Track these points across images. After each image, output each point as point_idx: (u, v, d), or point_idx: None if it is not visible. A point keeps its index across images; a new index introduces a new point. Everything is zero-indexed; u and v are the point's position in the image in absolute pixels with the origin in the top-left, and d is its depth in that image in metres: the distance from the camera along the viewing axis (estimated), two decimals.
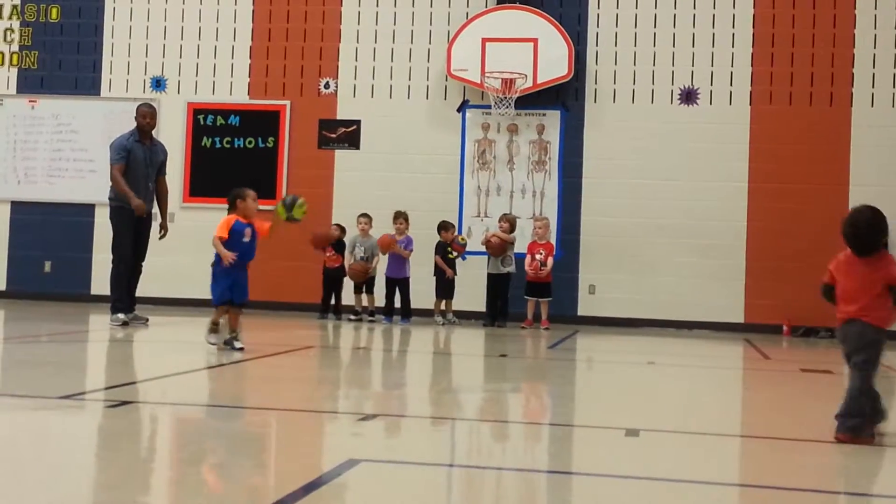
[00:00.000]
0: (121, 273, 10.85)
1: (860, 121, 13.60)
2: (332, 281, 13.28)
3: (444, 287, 13.13)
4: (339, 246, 13.19)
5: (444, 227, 13.26)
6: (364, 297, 13.06)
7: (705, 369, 9.31)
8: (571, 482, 4.23)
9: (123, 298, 10.79)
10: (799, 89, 13.76)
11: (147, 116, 10.98)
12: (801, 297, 13.40)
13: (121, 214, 10.81)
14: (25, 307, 13.43)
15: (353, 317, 12.95)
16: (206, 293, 13.93)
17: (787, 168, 13.68)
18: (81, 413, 5.41)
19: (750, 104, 13.85)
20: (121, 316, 10.66)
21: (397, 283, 12.98)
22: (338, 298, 13.31)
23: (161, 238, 11.34)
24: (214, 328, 8.56)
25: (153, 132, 11.31)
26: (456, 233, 13.46)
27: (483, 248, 13.27)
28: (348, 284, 13.23)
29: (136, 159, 10.81)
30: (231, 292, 8.49)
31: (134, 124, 11.05)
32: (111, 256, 11.03)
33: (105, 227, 14.89)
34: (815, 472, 4.50)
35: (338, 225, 13.36)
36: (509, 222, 13.19)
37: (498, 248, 12.96)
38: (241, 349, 8.28)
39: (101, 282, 14.81)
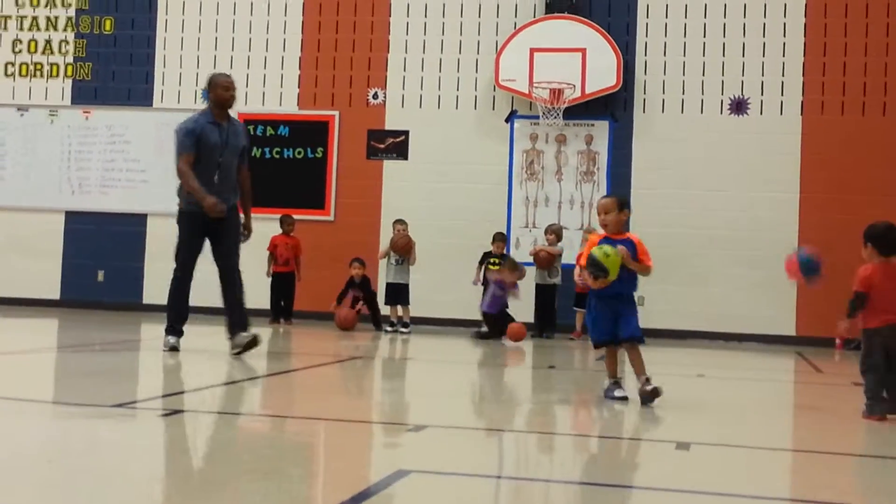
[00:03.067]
0: (178, 286, 8.93)
1: None
2: (364, 299, 13.31)
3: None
4: (366, 288, 13.29)
5: (495, 238, 13.20)
6: (399, 307, 13.04)
7: (756, 382, 9.21)
8: (621, 495, 4.20)
9: (179, 317, 8.95)
10: (851, 99, 13.61)
11: (230, 88, 8.83)
12: None
13: (188, 219, 8.83)
14: (79, 316, 13.62)
15: (388, 328, 12.92)
16: (255, 303, 14.09)
17: (838, 178, 13.53)
18: (134, 421, 5.47)
19: (801, 114, 13.72)
20: (170, 339, 8.81)
21: None
22: (374, 311, 13.28)
23: (244, 241, 9.43)
24: (616, 381, 6.80)
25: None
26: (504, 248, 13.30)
27: (530, 259, 13.25)
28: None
29: (209, 145, 8.65)
30: (615, 325, 6.73)
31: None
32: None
33: (157, 238, 15.12)
34: (868, 488, 4.43)
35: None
36: (555, 233, 13.16)
37: (545, 262, 12.95)
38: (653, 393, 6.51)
39: (153, 291, 15.01)
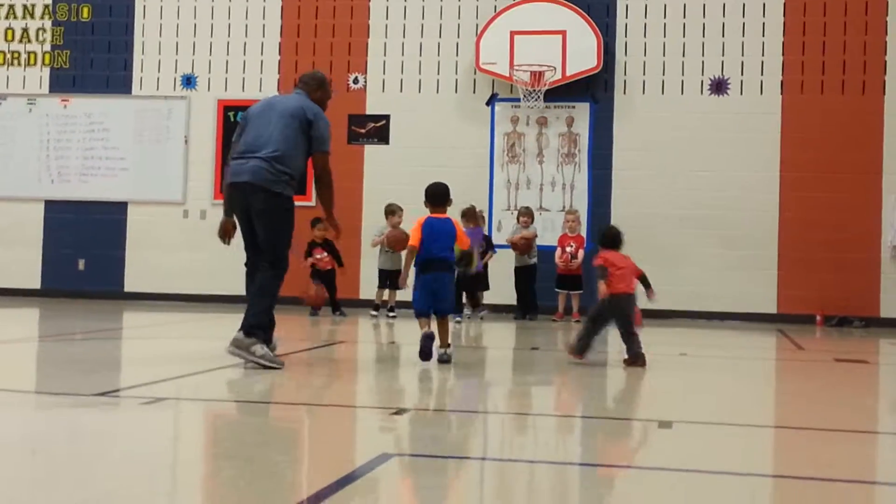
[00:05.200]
0: (279, 287, 7.51)
1: (893, 108, 13.48)
2: (323, 281, 12.90)
3: (471, 279, 13.03)
4: (329, 248, 12.86)
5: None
6: (386, 291, 12.85)
7: (738, 360, 9.26)
8: (605, 475, 4.22)
9: (273, 322, 7.52)
10: (830, 78, 13.65)
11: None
12: (834, 287, 13.34)
13: (292, 210, 7.49)
14: (60, 305, 13.56)
15: (374, 312, 12.76)
16: (238, 289, 14.06)
17: (818, 157, 13.58)
18: (116, 410, 5.46)
19: (781, 93, 13.76)
20: (261, 348, 7.14)
21: None
22: (332, 295, 12.99)
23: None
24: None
25: None
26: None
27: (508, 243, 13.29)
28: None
29: None
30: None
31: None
32: (272, 270, 7.39)
33: (138, 226, 15.06)
34: (850, 463, 4.46)
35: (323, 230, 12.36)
36: (528, 215, 13.20)
37: (525, 248, 12.99)
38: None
39: (133, 279, 14.98)
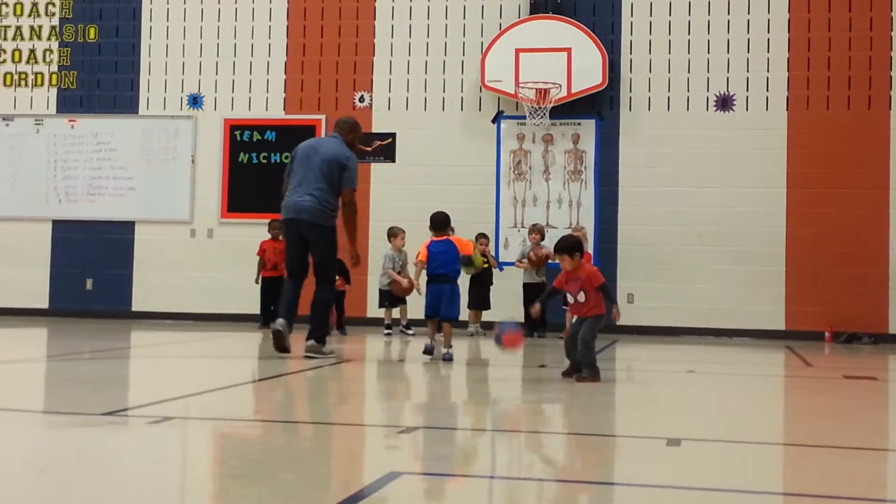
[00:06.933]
0: (333, 293, 9.78)
1: None
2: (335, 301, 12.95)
3: (476, 299, 13.07)
4: (342, 272, 12.86)
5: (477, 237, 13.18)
6: (394, 310, 12.85)
7: (747, 377, 9.23)
8: (613, 493, 4.20)
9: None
10: (836, 93, 13.67)
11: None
12: (842, 303, 13.32)
13: (336, 238, 9.35)
14: (68, 324, 13.57)
15: (387, 331, 12.77)
16: (245, 308, 14.11)
17: (825, 172, 13.59)
18: (124, 429, 5.46)
19: (787, 109, 13.77)
20: (326, 347, 9.32)
21: None
22: (340, 314, 13.01)
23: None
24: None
25: None
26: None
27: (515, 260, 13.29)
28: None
29: None
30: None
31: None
32: (325, 283, 9.35)
33: (145, 245, 15.11)
34: (861, 480, 4.44)
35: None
36: (539, 232, 13.20)
37: (540, 262, 12.99)
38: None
39: (141, 298, 15.00)
